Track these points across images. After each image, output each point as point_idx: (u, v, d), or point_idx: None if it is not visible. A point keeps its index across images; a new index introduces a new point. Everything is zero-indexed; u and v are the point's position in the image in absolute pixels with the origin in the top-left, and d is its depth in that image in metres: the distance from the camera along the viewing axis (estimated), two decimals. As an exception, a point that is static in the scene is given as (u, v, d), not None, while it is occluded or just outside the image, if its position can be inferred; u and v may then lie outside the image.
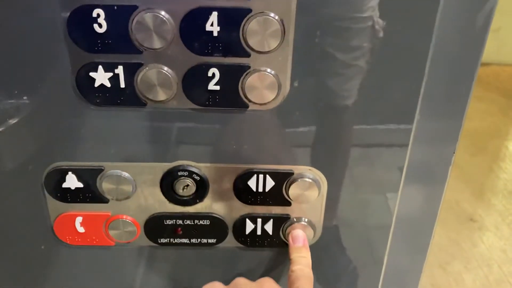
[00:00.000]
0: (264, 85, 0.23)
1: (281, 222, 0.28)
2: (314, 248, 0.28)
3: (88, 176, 0.26)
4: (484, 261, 1.31)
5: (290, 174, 0.26)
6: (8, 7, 0.22)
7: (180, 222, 0.27)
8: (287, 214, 0.27)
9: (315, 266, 0.28)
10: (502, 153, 1.87)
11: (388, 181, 0.27)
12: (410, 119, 0.25)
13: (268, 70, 0.23)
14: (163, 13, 0.21)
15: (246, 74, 0.23)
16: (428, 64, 0.23)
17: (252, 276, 0.28)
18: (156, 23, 0.21)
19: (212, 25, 0.21)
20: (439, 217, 0.31)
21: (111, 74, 0.23)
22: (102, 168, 0.26)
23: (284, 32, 0.22)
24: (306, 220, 0.28)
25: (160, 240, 0.28)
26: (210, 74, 0.23)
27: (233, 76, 0.23)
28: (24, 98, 0.24)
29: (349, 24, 0.22)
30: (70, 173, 0.26)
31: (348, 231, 0.28)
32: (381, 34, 0.22)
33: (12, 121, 0.25)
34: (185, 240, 0.28)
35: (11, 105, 0.24)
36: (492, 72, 2.49)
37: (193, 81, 0.23)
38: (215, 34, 0.22)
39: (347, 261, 0.30)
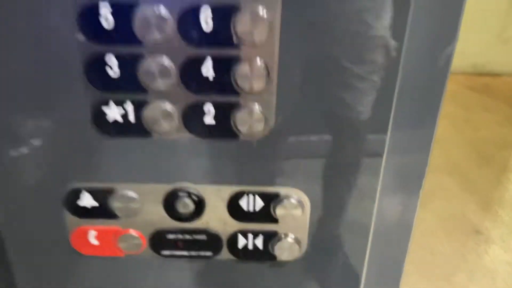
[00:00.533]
0: (253, 120, 0.27)
1: (270, 237, 0.31)
2: (301, 261, 0.32)
3: (101, 195, 0.30)
4: (489, 274, 1.32)
5: (276, 195, 0.30)
6: (38, 48, 0.26)
7: (180, 236, 0.31)
8: (275, 231, 0.31)
9: (304, 278, 0.31)
10: (510, 164, 1.88)
11: (365, 192, 0.30)
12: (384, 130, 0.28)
13: (256, 106, 0.27)
14: (166, 62, 0.25)
15: (237, 110, 0.27)
16: (400, 78, 0.27)
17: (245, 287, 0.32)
18: (160, 70, 0.25)
19: (207, 71, 0.25)
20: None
21: (121, 109, 0.27)
22: (113, 188, 0.30)
23: (268, 75, 0.26)
24: (292, 236, 0.31)
25: (162, 252, 0.32)
26: (206, 110, 0.27)
27: (226, 112, 0.27)
28: (47, 124, 0.28)
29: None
30: (85, 193, 0.30)
31: (330, 245, 0.32)
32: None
33: (36, 144, 0.29)
34: (185, 253, 0.31)
35: (35, 130, 0.29)
36: (502, 83, 2.50)
37: (192, 116, 0.27)
38: (211, 78, 0.26)
39: (330, 271, 0.33)
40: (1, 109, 0.27)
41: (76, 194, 0.29)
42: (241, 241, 0.31)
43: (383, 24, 0.25)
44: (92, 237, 0.31)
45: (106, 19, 0.24)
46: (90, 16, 0.24)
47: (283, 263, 0.32)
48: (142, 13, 0.24)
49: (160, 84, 0.26)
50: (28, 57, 0.26)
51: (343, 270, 0.33)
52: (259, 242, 0.31)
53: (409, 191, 0.31)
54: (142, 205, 0.30)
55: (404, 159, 0.30)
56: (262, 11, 0.24)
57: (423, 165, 0.30)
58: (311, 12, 0.25)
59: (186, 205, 0.30)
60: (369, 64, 0.26)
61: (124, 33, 0.25)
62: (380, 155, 0.29)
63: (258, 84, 0.26)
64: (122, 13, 0.24)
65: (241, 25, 0.24)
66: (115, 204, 0.30)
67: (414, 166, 0.31)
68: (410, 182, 0.31)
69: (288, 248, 0.31)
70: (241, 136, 0.28)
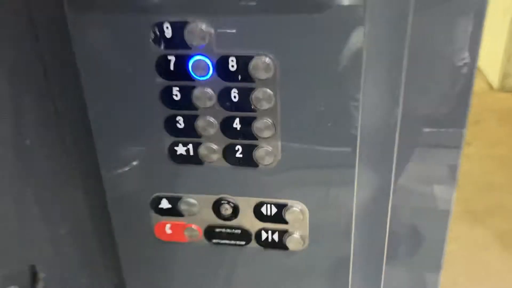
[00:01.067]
0: (266, 155, 0.42)
1: (283, 234, 0.46)
2: (305, 251, 0.46)
3: (174, 201, 0.46)
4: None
5: (286, 205, 0.44)
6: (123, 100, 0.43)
7: (223, 230, 0.47)
8: (286, 229, 0.46)
9: (307, 264, 0.45)
10: None
11: (342, 202, 0.44)
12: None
13: (268, 147, 0.42)
14: (212, 119, 0.41)
15: (256, 150, 0.42)
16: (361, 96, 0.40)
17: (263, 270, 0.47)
18: (208, 124, 0.41)
19: (236, 125, 0.41)
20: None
21: (185, 148, 0.43)
22: (181, 197, 0.46)
23: (275, 128, 0.41)
24: (298, 233, 0.46)
25: (212, 240, 0.47)
26: (237, 149, 0.42)
27: (249, 150, 0.42)
28: (142, 152, 0.45)
29: None
30: (164, 199, 0.46)
31: (320, 239, 0.46)
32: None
33: (135, 165, 0.46)
34: (227, 241, 0.47)
35: (135, 156, 0.46)
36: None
37: (229, 152, 0.43)
38: (238, 129, 0.41)
39: (327, 262, 0.47)
40: (115, 140, 0.45)
41: (158, 200, 0.46)
42: (263, 235, 0.46)
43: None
44: (168, 229, 0.48)
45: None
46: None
47: (293, 253, 0.47)
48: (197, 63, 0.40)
49: (209, 132, 0.42)
50: (130, 105, 0.43)
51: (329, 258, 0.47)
52: (276, 236, 0.46)
53: (380, 202, 0.44)
54: (199, 208, 0.46)
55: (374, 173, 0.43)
56: (269, 92, 0.39)
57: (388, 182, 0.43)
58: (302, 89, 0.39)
59: (226, 209, 0.45)
60: None
61: (187, 102, 0.41)
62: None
63: (267, 133, 0.41)
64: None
65: (256, 100, 0.39)
66: (182, 207, 0.46)
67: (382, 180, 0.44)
68: (379, 196, 0.44)
69: (296, 242, 0.46)
70: (260, 165, 0.43)
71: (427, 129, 0.43)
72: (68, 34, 0.40)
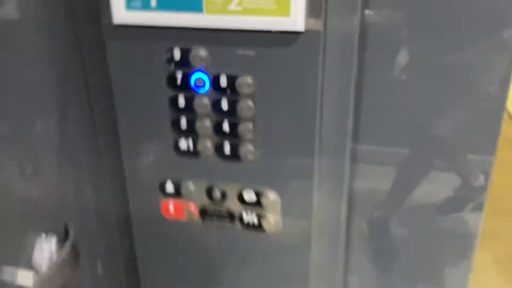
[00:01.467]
0: (247, 152, 0.54)
1: (260, 217, 0.58)
2: (278, 236, 0.58)
3: (177, 185, 0.59)
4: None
5: (262, 193, 0.56)
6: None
7: (213, 212, 0.59)
8: (263, 214, 0.58)
9: (281, 244, 0.57)
10: None
11: (304, 192, 0.55)
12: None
13: (249, 145, 0.54)
14: (207, 122, 0.54)
15: (240, 147, 0.54)
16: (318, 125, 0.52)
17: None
18: (211, 129, 0.54)
19: (225, 127, 0.54)
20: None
21: (187, 144, 0.56)
22: (182, 181, 0.59)
23: (254, 130, 0.53)
24: (273, 218, 0.57)
25: (205, 221, 0.60)
26: (225, 146, 0.55)
27: (235, 148, 0.55)
28: (157, 147, 0.58)
29: None
30: (170, 183, 0.59)
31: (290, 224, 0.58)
32: (297, 134, 0.52)
33: (151, 159, 0.59)
34: (216, 222, 0.59)
35: (152, 150, 0.59)
36: None
37: (219, 149, 0.55)
38: (227, 130, 0.54)
39: (299, 242, 0.58)
40: (135, 135, 0.58)
41: (164, 183, 0.59)
42: (245, 218, 0.58)
43: None
44: (171, 208, 0.61)
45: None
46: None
47: (269, 235, 0.58)
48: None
49: (205, 132, 0.55)
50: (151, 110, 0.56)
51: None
52: (255, 219, 0.58)
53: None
54: (196, 192, 0.59)
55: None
56: (250, 103, 0.52)
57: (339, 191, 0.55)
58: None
59: (217, 194, 0.58)
60: None
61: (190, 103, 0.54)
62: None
63: (249, 135, 0.53)
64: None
65: (240, 109, 0.52)
66: (183, 191, 0.59)
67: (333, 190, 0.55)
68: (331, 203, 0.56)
69: (270, 224, 0.58)
70: (242, 160, 0.55)
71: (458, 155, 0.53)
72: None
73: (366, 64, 0.50)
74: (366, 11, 0.48)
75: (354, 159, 0.55)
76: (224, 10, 0.49)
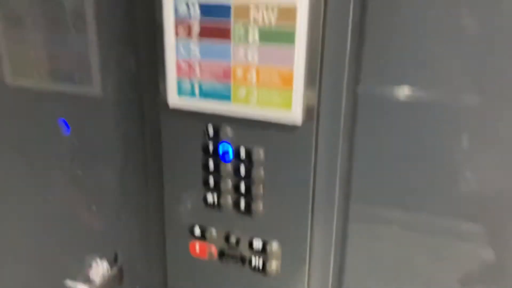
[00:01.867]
0: (257, 207, 0.70)
1: (264, 261, 0.72)
2: (277, 278, 0.72)
3: (202, 230, 0.75)
4: None
5: (267, 241, 0.71)
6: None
7: (230, 253, 0.74)
8: (267, 259, 0.72)
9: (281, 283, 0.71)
10: None
11: (300, 243, 0.69)
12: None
13: (259, 203, 0.70)
14: (229, 182, 0.71)
15: (252, 204, 0.70)
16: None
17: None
18: (224, 186, 0.71)
19: (242, 187, 0.70)
20: None
21: (212, 198, 0.73)
22: (207, 227, 0.75)
23: (263, 191, 0.69)
24: (274, 262, 0.72)
25: (222, 260, 0.75)
26: (241, 201, 0.71)
27: (248, 204, 0.71)
28: (187, 197, 0.76)
29: None
30: (197, 227, 0.76)
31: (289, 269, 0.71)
32: (295, 197, 0.68)
33: (183, 203, 0.77)
34: (231, 262, 0.74)
35: (182, 197, 0.76)
36: None
37: (236, 204, 0.71)
38: (243, 190, 0.70)
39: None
40: (175, 187, 0.76)
41: (193, 227, 0.76)
42: (253, 262, 0.73)
43: None
44: (197, 248, 0.76)
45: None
46: (206, 164, 0.72)
47: (270, 276, 0.72)
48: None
49: (227, 190, 0.71)
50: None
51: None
52: (261, 263, 0.72)
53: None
54: (217, 237, 0.74)
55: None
56: (262, 172, 0.68)
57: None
58: (280, 171, 0.68)
59: (232, 240, 0.73)
60: None
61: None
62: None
63: (259, 194, 0.69)
64: (216, 165, 0.71)
65: (254, 175, 0.69)
66: (207, 235, 0.75)
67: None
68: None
69: (273, 270, 0.72)
70: (253, 213, 0.71)
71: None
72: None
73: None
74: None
75: (344, 215, 0.69)
76: (246, 101, 0.67)
